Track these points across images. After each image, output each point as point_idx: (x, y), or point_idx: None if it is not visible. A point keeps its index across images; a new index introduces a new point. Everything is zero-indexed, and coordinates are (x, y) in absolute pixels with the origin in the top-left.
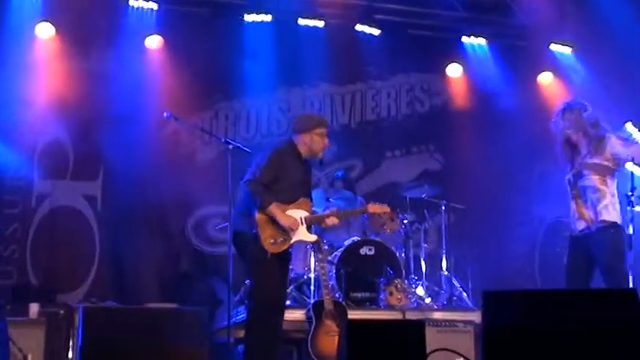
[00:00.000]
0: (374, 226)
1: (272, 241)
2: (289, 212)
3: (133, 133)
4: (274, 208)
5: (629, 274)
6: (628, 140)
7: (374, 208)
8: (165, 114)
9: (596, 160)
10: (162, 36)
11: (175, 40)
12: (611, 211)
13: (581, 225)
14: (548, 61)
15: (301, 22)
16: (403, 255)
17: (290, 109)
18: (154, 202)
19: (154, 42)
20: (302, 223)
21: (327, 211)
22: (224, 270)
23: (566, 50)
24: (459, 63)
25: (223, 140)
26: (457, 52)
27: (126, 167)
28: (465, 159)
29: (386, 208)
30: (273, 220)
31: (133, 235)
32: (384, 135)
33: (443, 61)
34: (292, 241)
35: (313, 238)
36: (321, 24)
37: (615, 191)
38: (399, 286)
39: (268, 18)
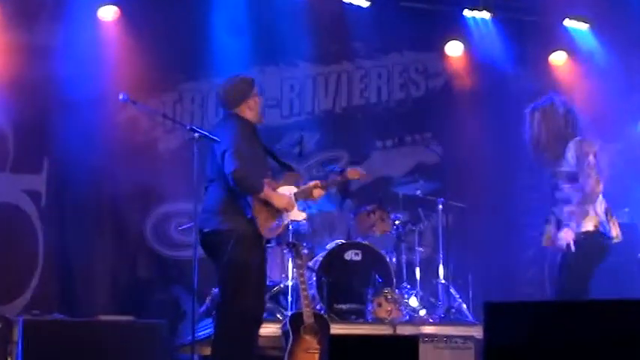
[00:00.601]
0: (361, 227)
1: (268, 226)
2: (280, 190)
3: (84, 119)
4: (268, 190)
5: None
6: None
7: (353, 173)
8: (121, 96)
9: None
10: (117, 6)
11: (133, 11)
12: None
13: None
14: (562, 39)
15: None
16: (394, 260)
17: (264, 92)
18: (108, 199)
19: (108, 13)
20: (294, 199)
21: (311, 183)
22: (188, 277)
23: (583, 27)
24: (460, 40)
25: (188, 127)
26: (458, 28)
27: (75, 158)
28: (467, 151)
29: (363, 173)
30: (265, 203)
31: (83, 237)
32: (374, 122)
33: (441, 37)
34: (286, 222)
35: (304, 215)
36: None
37: None
38: (389, 296)
39: None
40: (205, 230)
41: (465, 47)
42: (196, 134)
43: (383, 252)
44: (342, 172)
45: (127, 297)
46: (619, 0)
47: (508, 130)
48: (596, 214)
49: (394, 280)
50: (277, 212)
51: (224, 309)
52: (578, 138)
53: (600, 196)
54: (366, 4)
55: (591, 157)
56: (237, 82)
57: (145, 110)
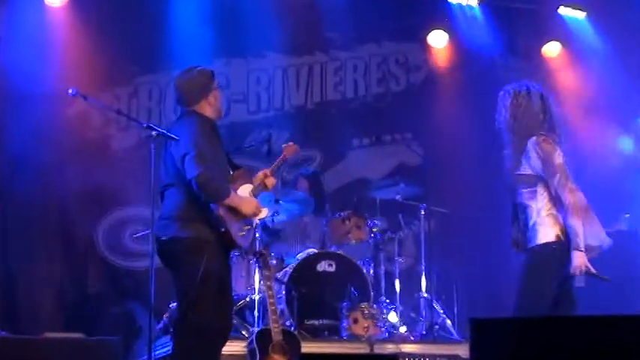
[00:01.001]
0: (335, 235)
1: (242, 234)
2: (240, 192)
3: (29, 114)
4: (234, 196)
5: None
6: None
7: (289, 149)
8: (70, 91)
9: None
10: None
11: None
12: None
13: None
14: (556, 28)
15: None
16: (372, 272)
17: (230, 86)
18: (56, 203)
19: None
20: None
21: (260, 174)
22: (144, 290)
23: (579, 15)
24: (444, 29)
25: (145, 125)
26: (442, 16)
27: (19, 157)
28: (451, 151)
29: (296, 148)
30: (230, 210)
31: (27, 244)
32: (350, 119)
33: (424, 26)
34: (255, 224)
35: (265, 212)
36: None
37: None
38: (366, 311)
39: None
40: (163, 238)
41: (449, 37)
42: (153, 132)
43: (359, 262)
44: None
45: (77, 312)
46: None
47: (495, 130)
48: (558, 222)
49: (372, 293)
50: (244, 216)
51: (183, 324)
52: (538, 136)
53: None
54: None
55: (558, 158)
56: (196, 75)
57: (97, 105)
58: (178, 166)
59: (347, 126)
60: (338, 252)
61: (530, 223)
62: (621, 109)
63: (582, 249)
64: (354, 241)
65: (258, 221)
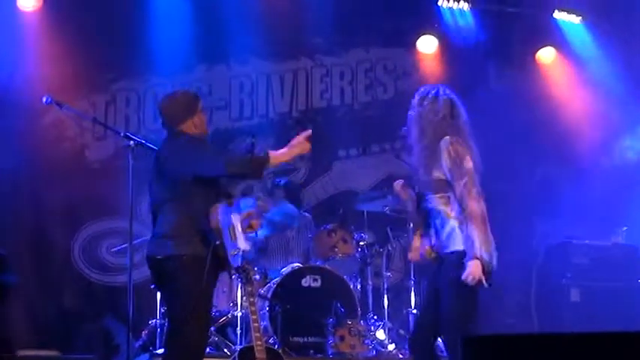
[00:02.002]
0: (320, 249)
1: (234, 253)
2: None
3: (2, 124)
4: (274, 153)
5: None
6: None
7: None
8: (44, 98)
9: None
10: None
11: (58, 0)
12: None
13: None
14: (551, 34)
15: None
16: (359, 287)
17: (212, 93)
18: (29, 215)
19: (29, 1)
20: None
21: (244, 213)
22: (122, 306)
23: (574, 20)
24: (434, 35)
25: (122, 134)
26: (431, 21)
27: None
28: None
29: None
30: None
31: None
32: (336, 128)
33: (413, 31)
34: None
35: (248, 245)
36: None
37: None
38: (353, 328)
39: None
40: (159, 257)
41: (439, 43)
42: (132, 142)
43: (346, 277)
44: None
45: (51, 328)
46: None
47: (488, 137)
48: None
49: (359, 309)
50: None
51: (177, 341)
52: (448, 138)
53: None
54: None
55: (468, 163)
56: (179, 96)
57: (72, 114)
58: (178, 182)
59: (333, 135)
60: (323, 266)
61: (447, 229)
62: (617, 116)
63: (479, 258)
64: (340, 255)
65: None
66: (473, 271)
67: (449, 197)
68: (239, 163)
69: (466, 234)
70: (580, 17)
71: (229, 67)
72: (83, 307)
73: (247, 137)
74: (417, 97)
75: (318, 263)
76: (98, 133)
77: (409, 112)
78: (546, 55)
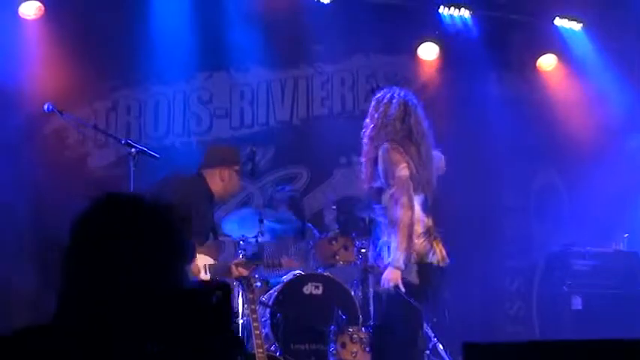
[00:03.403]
0: (322, 256)
1: None
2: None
3: (2, 132)
4: None
5: None
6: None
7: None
8: (45, 106)
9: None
10: (41, 1)
11: (59, 7)
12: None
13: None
14: (552, 41)
15: None
16: (360, 294)
17: (212, 100)
18: (29, 225)
19: (30, 9)
20: (205, 271)
21: (236, 260)
22: None
23: (575, 27)
24: (435, 42)
25: (123, 142)
26: (432, 27)
27: None
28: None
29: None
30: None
31: (1, 267)
32: (338, 135)
33: (414, 38)
34: None
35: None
36: None
37: None
38: (354, 335)
39: None
40: None
41: (440, 49)
42: (133, 149)
43: (347, 285)
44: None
45: None
46: None
47: (489, 145)
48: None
49: (360, 317)
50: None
51: None
52: (387, 144)
53: (418, 212)
54: (326, 0)
55: (402, 170)
56: (226, 148)
57: (74, 121)
58: None
59: (334, 142)
60: (325, 274)
61: (381, 240)
62: (618, 123)
63: (399, 266)
64: (341, 263)
65: None
66: (390, 277)
67: (386, 209)
68: None
69: (388, 241)
70: (581, 24)
71: (230, 75)
72: None
73: (248, 146)
74: (373, 102)
75: (319, 271)
76: (100, 140)
77: (365, 120)
78: (547, 62)
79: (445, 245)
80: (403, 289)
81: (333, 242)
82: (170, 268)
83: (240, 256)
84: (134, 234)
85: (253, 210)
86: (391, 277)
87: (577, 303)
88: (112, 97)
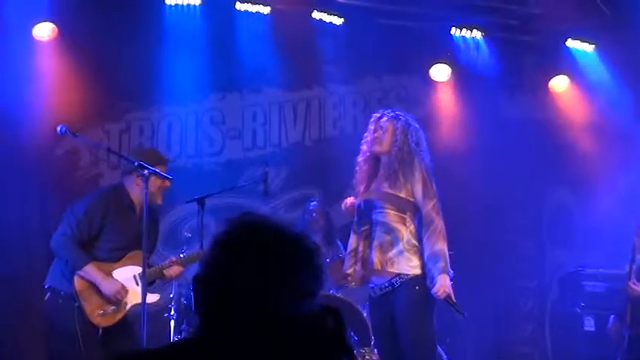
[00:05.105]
0: (334, 277)
1: (100, 312)
2: (116, 272)
3: (15, 154)
4: (92, 271)
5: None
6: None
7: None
8: (59, 128)
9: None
10: (54, 23)
11: (73, 29)
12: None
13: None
14: (564, 62)
15: (240, 6)
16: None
17: (225, 122)
18: (41, 249)
19: (44, 31)
20: (136, 282)
21: (167, 261)
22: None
23: (587, 48)
24: (447, 63)
25: (136, 163)
26: (444, 49)
27: (4, 201)
28: (454, 189)
29: (179, 269)
30: (96, 287)
31: (10, 298)
32: (350, 156)
33: (426, 59)
34: (128, 308)
35: (155, 297)
36: (266, 10)
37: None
38: (367, 356)
39: (197, 1)
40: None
41: (452, 70)
42: (146, 171)
43: (359, 306)
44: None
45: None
46: (628, 19)
47: (500, 166)
48: (421, 257)
49: (372, 337)
50: (106, 296)
51: None
52: (422, 162)
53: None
54: (339, 22)
55: (434, 186)
56: (140, 151)
57: (87, 143)
58: None
59: (347, 164)
60: (336, 294)
61: (398, 247)
62: (631, 143)
63: (449, 274)
64: (353, 284)
65: (128, 306)
66: (443, 283)
67: (404, 219)
68: (64, 244)
69: (431, 250)
70: (593, 45)
71: (242, 96)
72: None
73: (260, 167)
74: (389, 116)
75: (331, 291)
76: (112, 162)
77: (383, 120)
78: (559, 83)
79: (456, 266)
80: (454, 299)
81: None
82: (310, 293)
83: (181, 255)
84: (277, 261)
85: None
86: (446, 283)
87: (590, 324)
88: (124, 119)
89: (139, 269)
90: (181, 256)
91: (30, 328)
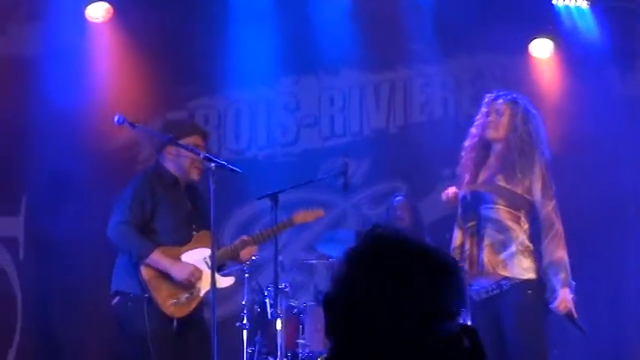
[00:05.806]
0: None
1: (173, 301)
2: (185, 256)
3: (71, 146)
4: (159, 257)
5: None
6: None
7: (300, 217)
8: (116, 118)
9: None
10: (110, 3)
11: (130, 8)
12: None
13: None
14: None
15: None
16: None
17: (300, 107)
18: (101, 246)
19: (98, 11)
20: (207, 266)
21: (237, 241)
22: None
23: None
24: (549, 37)
25: (202, 155)
26: (545, 22)
27: (59, 196)
28: (566, 185)
29: (319, 213)
30: (165, 274)
31: (71, 296)
32: (439, 145)
33: (525, 34)
34: (202, 294)
35: (230, 281)
36: None
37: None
38: None
39: None
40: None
41: (555, 46)
42: (212, 164)
43: None
44: (289, 218)
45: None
46: None
47: (610, 150)
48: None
49: None
50: (179, 282)
51: None
52: (542, 157)
53: None
54: None
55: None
56: (172, 123)
57: (147, 134)
58: None
59: (436, 153)
60: None
61: (511, 249)
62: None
63: (570, 286)
64: None
65: (202, 292)
66: (566, 298)
67: (519, 217)
68: (123, 232)
69: (551, 258)
70: None
71: (318, 79)
72: None
73: (339, 158)
74: (506, 98)
75: None
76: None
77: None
78: None
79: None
80: (575, 314)
81: None
82: (452, 314)
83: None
84: (418, 281)
85: (352, 233)
86: (568, 297)
87: None
88: (187, 107)
89: (209, 251)
90: (255, 234)
91: (94, 338)
